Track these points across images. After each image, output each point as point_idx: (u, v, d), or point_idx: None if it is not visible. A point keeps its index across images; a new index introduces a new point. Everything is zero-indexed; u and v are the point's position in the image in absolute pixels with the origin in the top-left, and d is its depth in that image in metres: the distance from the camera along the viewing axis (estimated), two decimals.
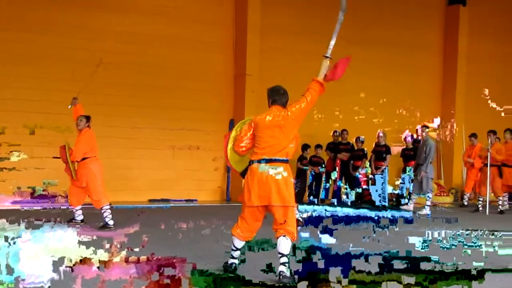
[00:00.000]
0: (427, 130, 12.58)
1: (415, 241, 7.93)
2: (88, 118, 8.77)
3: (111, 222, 8.45)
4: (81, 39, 11.91)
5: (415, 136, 13.43)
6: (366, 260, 6.35)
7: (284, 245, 5.24)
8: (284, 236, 5.25)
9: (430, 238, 8.52)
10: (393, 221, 10.58)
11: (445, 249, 7.57)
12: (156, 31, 12.67)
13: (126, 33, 12.36)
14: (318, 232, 8.48)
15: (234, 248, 5.60)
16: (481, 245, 7.99)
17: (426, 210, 11.83)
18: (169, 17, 12.85)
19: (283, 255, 5.24)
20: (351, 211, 11.77)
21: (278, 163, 5.32)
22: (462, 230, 9.40)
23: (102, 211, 8.48)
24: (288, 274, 5.23)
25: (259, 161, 5.32)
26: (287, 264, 5.25)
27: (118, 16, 12.34)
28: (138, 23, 12.50)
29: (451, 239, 8.38)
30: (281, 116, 5.41)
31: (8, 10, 11.41)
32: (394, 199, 13.63)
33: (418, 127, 12.86)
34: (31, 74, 11.56)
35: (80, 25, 11.95)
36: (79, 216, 8.78)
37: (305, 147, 13.30)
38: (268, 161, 5.30)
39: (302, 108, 5.48)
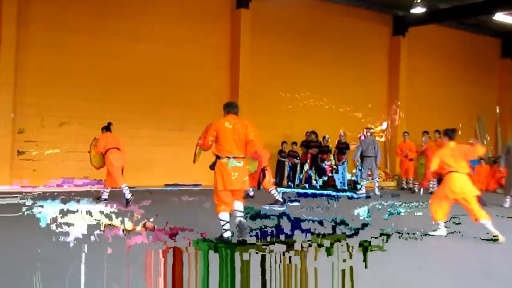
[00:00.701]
0: (371, 131, 12.68)
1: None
2: (105, 128, 8.92)
3: (129, 196, 8.35)
4: (104, 59, 11.72)
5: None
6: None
7: (240, 205, 5.67)
8: (238, 200, 5.68)
9: (380, 207, 9.15)
10: (351, 198, 11.05)
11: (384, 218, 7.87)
12: (168, 55, 12.60)
13: (146, 56, 12.29)
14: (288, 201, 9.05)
15: (224, 221, 5.60)
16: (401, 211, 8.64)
17: (377, 191, 12.00)
18: (182, 45, 12.75)
19: (239, 211, 5.65)
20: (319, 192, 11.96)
21: (240, 159, 5.60)
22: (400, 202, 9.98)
23: (121, 189, 8.43)
24: (244, 222, 5.64)
25: (227, 157, 5.54)
26: (243, 216, 5.69)
27: (145, 44, 12.21)
28: (156, 49, 12.41)
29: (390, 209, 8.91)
30: (240, 123, 5.65)
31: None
32: (352, 184, 13.67)
33: (366, 128, 12.88)
34: (67, 87, 11.41)
35: (103, 48, 11.75)
36: (104, 194, 8.80)
37: (283, 143, 13.34)
38: (234, 157, 5.54)
39: (250, 135, 5.59)
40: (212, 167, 5.67)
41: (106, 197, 8.80)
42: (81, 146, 11.15)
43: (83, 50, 11.47)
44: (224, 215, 5.57)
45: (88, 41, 11.52)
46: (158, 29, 12.43)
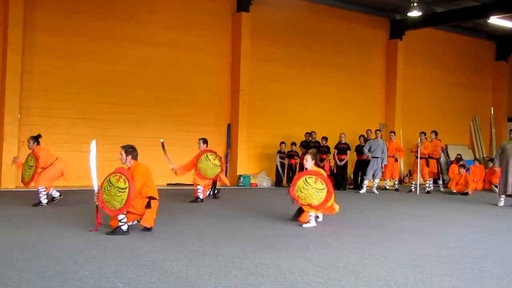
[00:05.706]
0: (380, 133, 12.70)
1: None
2: (36, 138, 8.04)
3: (44, 202, 7.86)
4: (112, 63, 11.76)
5: (366, 136, 13.41)
6: None
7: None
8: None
9: None
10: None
11: None
12: (173, 59, 12.61)
13: (148, 59, 12.28)
14: None
15: None
16: None
17: (375, 190, 12.02)
18: (183, 48, 12.73)
19: None
20: None
21: None
22: None
23: (39, 191, 7.85)
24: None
25: None
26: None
27: (148, 48, 12.21)
28: (157, 52, 12.40)
29: None
30: None
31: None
32: (352, 182, 13.64)
33: (377, 130, 12.84)
34: (76, 90, 11.43)
35: (115, 54, 11.82)
36: (54, 194, 8.13)
37: (281, 143, 13.38)
38: None
39: None
40: None
41: (60, 194, 8.17)
42: (85, 147, 11.17)
43: (88, 54, 11.47)
44: None
45: (93, 45, 11.52)
46: (159, 33, 12.41)
